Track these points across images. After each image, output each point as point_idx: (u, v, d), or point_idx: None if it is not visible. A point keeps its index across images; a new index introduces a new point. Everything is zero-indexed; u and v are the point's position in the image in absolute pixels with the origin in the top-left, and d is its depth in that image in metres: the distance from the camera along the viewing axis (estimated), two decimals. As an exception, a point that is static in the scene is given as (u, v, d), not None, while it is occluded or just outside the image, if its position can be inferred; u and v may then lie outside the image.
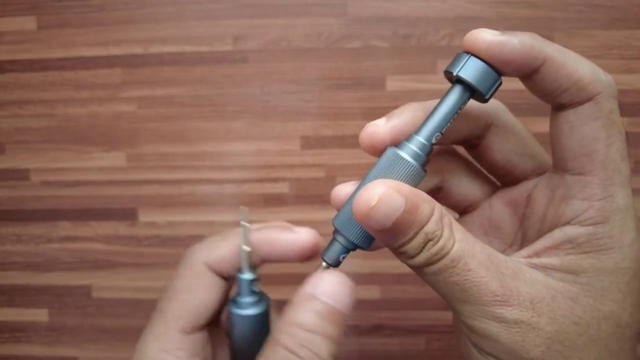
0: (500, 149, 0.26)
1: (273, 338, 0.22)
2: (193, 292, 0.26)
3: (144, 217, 0.60)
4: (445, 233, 0.21)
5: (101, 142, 0.59)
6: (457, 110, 0.23)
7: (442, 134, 0.23)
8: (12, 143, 0.60)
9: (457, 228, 0.21)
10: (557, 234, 0.22)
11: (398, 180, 0.22)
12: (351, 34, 0.56)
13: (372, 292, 0.61)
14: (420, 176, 0.23)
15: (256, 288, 0.27)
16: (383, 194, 0.20)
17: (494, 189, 0.28)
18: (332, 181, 0.59)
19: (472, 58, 0.22)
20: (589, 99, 0.21)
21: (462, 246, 0.21)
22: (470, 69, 0.22)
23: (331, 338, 0.22)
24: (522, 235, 0.25)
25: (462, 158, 0.29)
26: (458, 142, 0.27)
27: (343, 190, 0.25)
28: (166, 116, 0.58)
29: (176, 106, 0.58)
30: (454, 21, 0.55)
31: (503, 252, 0.26)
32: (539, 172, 0.25)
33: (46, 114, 0.59)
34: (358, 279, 0.61)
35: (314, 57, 0.56)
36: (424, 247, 0.20)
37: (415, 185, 0.23)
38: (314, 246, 0.26)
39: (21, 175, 0.61)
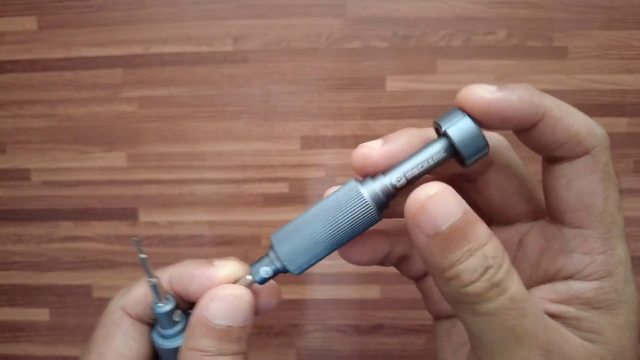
0: (499, 187, 0.25)
1: None
2: (110, 341, 0.24)
3: (144, 217, 0.61)
4: (506, 265, 0.19)
5: (102, 142, 0.60)
6: (433, 166, 0.21)
7: (408, 181, 0.22)
8: (13, 143, 0.60)
9: (514, 268, 0.20)
10: (561, 288, 0.21)
11: (350, 219, 0.21)
12: (351, 34, 0.56)
13: (373, 292, 0.61)
14: (373, 220, 0.22)
15: (178, 317, 0.25)
16: (443, 191, 0.19)
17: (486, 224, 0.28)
18: (332, 181, 0.59)
19: (466, 118, 0.20)
20: (586, 153, 0.20)
21: (521, 287, 0.19)
22: (460, 130, 0.20)
23: (234, 353, 0.22)
24: None
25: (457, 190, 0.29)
26: (454, 176, 0.26)
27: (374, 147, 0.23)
28: (166, 116, 0.59)
29: (176, 106, 0.58)
30: (454, 21, 0.55)
31: None
32: (533, 216, 0.25)
33: (47, 114, 0.59)
34: (358, 278, 0.61)
35: (313, 57, 0.56)
36: (484, 274, 0.18)
37: (365, 229, 0.22)
38: (235, 278, 0.24)
39: (22, 175, 0.61)
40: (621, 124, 0.57)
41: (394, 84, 0.57)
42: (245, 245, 0.61)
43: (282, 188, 0.59)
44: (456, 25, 0.55)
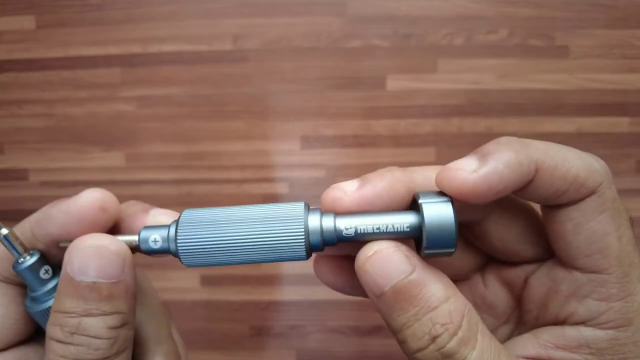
0: (499, 236, 0.22)
1: (47, 332, 0.19)
2: None
3: (143, 217, 0.60)
4: (463, 333, 0.17)
5: (100, 142, 0.59)
6: (390, 235, 0.18)
7: (357, 235, 0.19)
8: (11, 143, 0.60)
9: (485, 333, 0.18)
10: (571, 334, 0.19)
11: (274, 245, 0.18)
12: (351, 33, 0.55)
13: (373, 293, 0.61)
14: (299, 258, 0.19)
15: (46, 274, 0.21)
16: (384, 250, 0.17)
17: (486, 260, 0.24)
18: (332, 181, 0.59)
19: (449, 210, 0.18)
20: (591, 193, 0.18)
21: (482, 358, 0.17)
22: (437, 220, 0.18)
23: (105, 313, 0.19)
24: (517, 316, 0.23)
25: None
26: None
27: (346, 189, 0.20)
28: (165, 116, 0.58)
29: (175, 106, 0.58)
30: (455, 20, 0.55)
31: (495, 330, 0.23)
32: (539, 258, 0.22)
33: (45, 113, 0.59)
34: (358, 279, 0.60)
35: (314, 56, 0.56)
36: (431, 343, 0.17)
37: (285, 261, 0.19)
38: (100, 206, 0.20)
39: (20, 175, 0.60)
40: (623, 123, 0.57)
41: (394, 83, 0.56)
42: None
43: (282, 188, 0.59)
44: (457, 24, 0.55)
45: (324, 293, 0.61)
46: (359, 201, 0.19)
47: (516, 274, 0.22)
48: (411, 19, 0.55)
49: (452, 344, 0.17)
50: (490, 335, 0.18)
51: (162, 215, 0.21)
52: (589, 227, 0.18)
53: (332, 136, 0.57)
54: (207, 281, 0.61)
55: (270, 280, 0.61)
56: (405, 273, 0.17)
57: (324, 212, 0.19)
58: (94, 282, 0.18)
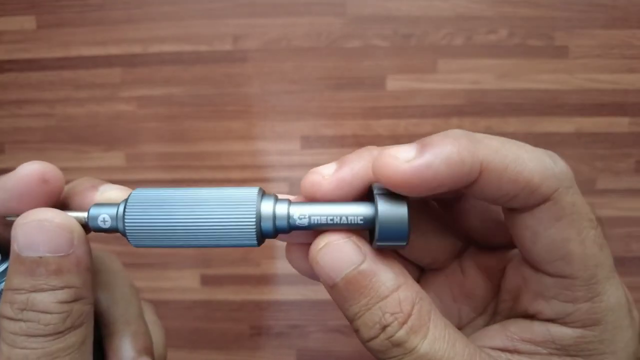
0: (479, 215, 0.21)
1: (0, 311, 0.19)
2: None
3: (143, 217, 0.60)
4: (413, 321, 0.17)
5: (100, 141, 0.59)
6: (343, 226, 0.18)
7: (310, 225, 0.18)
8: (11, 143, 0.60)
9: (439, 322, 0.18)
10: (539, 329, 0.19)
11: (224, 228, 0.18)
12: (351, 33, 0.55)
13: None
14: (249, 244, 0.19)
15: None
16: (333, 242, 0.17)
17: (464, 246, 0.23)
18: (332, 181, 0.59)
19: (403, 206, 0.17)
20: (546, 200, 0.17)
21: (434, 347, 0.17)
22: (390, 213, 0.17)
23: (55, 288, 0.18)
24: (494, 307, 0.22)
25: (431, 206, 0.23)
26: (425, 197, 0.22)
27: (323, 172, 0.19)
28: (165, 116, 0.58)
29: (175, 106, 0.58)
30: (455, 20, 0.55)
31: (472, 321, 0.23)
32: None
33: (45, 113, 0.59)
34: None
35: (314, 56, 0.56)
36: (381, 332, 0.17)
37: (236, 246, 0.19)
38: (40, 178, 0.19)
39: (20, 175, 0.60)
40: (623, 123, 0.57)
41: (394, 83, 0.56)
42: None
43: (282, 188, 0.59)
44: (457, 24, 0.55)
45: (324, 293, 0.60)
46: (337, 183, 0.18)
47: (495, 260, 0.22)
48: (411, 19, 0.55)
49: (401, 333, 0.17)
50: (445, 324, 0.18)
51: (112, 191, 0.21)
52: (547, 235, 0.17)
53: (332, 136, 0.57)
54: (207, 281, 0.61)
55: (270, 280, 0.61)
56: (355, 264, 0.17)
57: (279, 199, 0.19)
58: (40, 257, 0.18)
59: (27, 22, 0.57)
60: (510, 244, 0.21)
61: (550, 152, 0.18)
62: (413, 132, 0.57)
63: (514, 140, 0.18)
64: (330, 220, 0.18)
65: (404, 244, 0.18)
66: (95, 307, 0.22)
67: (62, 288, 0.18)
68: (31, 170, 0.19)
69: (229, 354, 0.62)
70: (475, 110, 0.56)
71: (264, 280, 0.61)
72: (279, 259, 0.60)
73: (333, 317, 0.61)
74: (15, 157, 0.60)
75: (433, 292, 0.23)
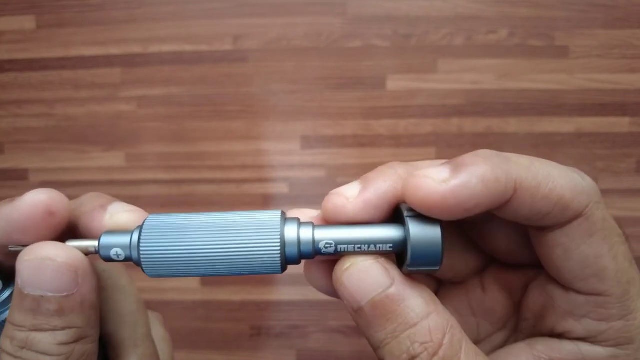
0: (505, 236, 0.20)
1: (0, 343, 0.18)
2: None
3: (143, 217, 0.60)
4: (445, 352, 0.16)
5: (100, 141, 0.59)
6: (372, 253, 0.17)
7: (337, 253, 0.17)
8: (11, 143, 0.60)
9: (470, 351, 0.17)
10: (569, 348, 0.18)
11: (247, 256, 0.17)
12: (351, 33, 0.55)
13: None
14: (273, 271, 0.18)
15: None
16: (360, 264, 0.17)
17: (486, 262, 0.23)
18: (332, 181, 0.59)
19: (436, 228, 0.17)
20: (578, 216, 0.17)
21: None
22: (423, 238, 0.16)
23: (57, 328, 0.17)
24: (514, 323, 0.22)
25: (456, 223, 0.22)
26: None
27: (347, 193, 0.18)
28: (165, 116, 0.58)
29: (175, 106, 0.58)
30: (455, 20, 0.55)
31: (490, 336, 0.23)
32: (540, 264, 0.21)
33: (45, 113, 0.59)
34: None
35: (314, 56, 0.56)
36: None
37: (259, 274, 0.18)
38: (46, 210, 0.18)
39: (20, 175, 0.60)
40: (623, 123, 0.57)
41: (394, 83, 0.56)
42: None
43: (282, 188, 0.59)
44: (457, 24, 0.55)
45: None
46: (362, 206, 0.17)
47: (517, 278, 0.21)
48: (411, 19, 0.55)
49: None
50: (476, 352, 0.17)
51: (123, 214, 0.19)
52: (580, 252, 0.17)
53: (332, 136, 0.57)
54: (207, 281, 0.61)
55: (271, 281, 0.61)
56: (382, 287, 0.16)
57: (302, 222, 0.18)
58: (41, 296, 0.17)
59: (27, 22, 0.57)
60: (533, 263, 0.20)
61: (575, 169, 0.18)
62: (413, 132, 0.57)
63: (540, 159, 0.18)
64: (358, 248, 0.17)
65: (437, 268, 0.17)
66: (102, 328, 0.21)
67: (63, 329, 0.17)
68: (37, 202, 0.18)
69: (229, 355, 0.62)
70: (475, 110, 0.56)
71: (264, 280, 0.61)
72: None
73: (333, 318, 0.61)
74: (15, 157, 0.60)
75: (452, 306, 0.22)
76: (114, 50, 0.57)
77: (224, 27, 0.56)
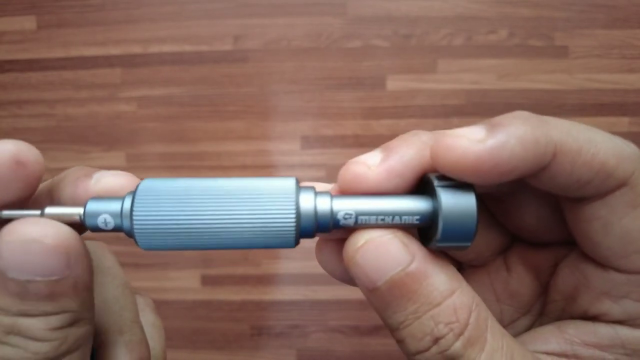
0: (534, 211, 0.19)
1: None
2: None
3: (143, 217, 0.60)
4: (470, 332, 0.15)
5: (101, 142, 0.59)
6: (395, 226, 0.16)
7: (356, 226, 0.16)
8: (12, 143, 0.60)
9: (496, 330, 0.16)
10: (604, 331, 0.17)
11: (256, 226, 0.15)
12: (351, 33, 0.55)
13: (373, 293, 0.61)
14: (286, 244, 0.16)
15: None
16: (376, 240, 0.15)
17: (510, 241, 0.21)
18: (332, 181, 0.59)
19: (471, 197, 0.15)
20: (621, 185, 0.15)
21: (492, 359, 0.15)
22: (456, 209, 0.15)
23: (47, 314, 0.15)
24: (540, 306, 0.21)
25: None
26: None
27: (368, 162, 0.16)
28: (166, 116, 0.58)
29: (176, 106, 0.58)
30: (455, 20, 0.55)
31: (514, 322, 0.21)
32: (573, 240, 0.19)
33: (45, 113, 0.59)
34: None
35: (314, 56, 0.56)
36: (433, 344, 0.15)
37: (267, 247, 0.16)
38: (15, 160, 0.16)
39: (20, 175, 0.60)
40: (623, 123, 0.57)
41: (394, 83, 0.56)
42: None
43: (282, 188, 0.59)
44: (457, 24, 0.55)
45: (325, 293, 0.61)
46: (386, 175, 0.16)
47: (545, 257, 0.20)
48: (411, 19, 0.55)
49: (457, 346, 0.15)
50: (502, 332, 0.16)
51: (110, 177, 0.17)
52: (622, 226, 0.16)
53: (332, 136, 0.58)
54: (207, 281, 0.61)
55: (271, 280, 0.61)
56: (402, 265, 0.15)
57: (318, 192, 0.16)
58: (28, 281, 0.15)
59: (27, 22, 0.57)
60: (562, 240, 0.19)
61: (619, 137, 0.16)
62: (413, 132, 0.57)
63: (582, 124, 0.16)
64: (381, 220, 0.15)
65: (468, 244, 0.15)
66: None
67: (56, 313, 0.15)
68: (3, 152, 0.15)
69: (229, 354, 0.62)
70: (475, 110, 0.57)
71: (265, 280, 0.61)
72: (279, 258, 0.60)
73: (333, 317, 0.61)
74: (15, 157, 0.60)
75: (474, 287, 0.21)
76: (114, 50, 0.57)
77: (224, 28, 0.56)
